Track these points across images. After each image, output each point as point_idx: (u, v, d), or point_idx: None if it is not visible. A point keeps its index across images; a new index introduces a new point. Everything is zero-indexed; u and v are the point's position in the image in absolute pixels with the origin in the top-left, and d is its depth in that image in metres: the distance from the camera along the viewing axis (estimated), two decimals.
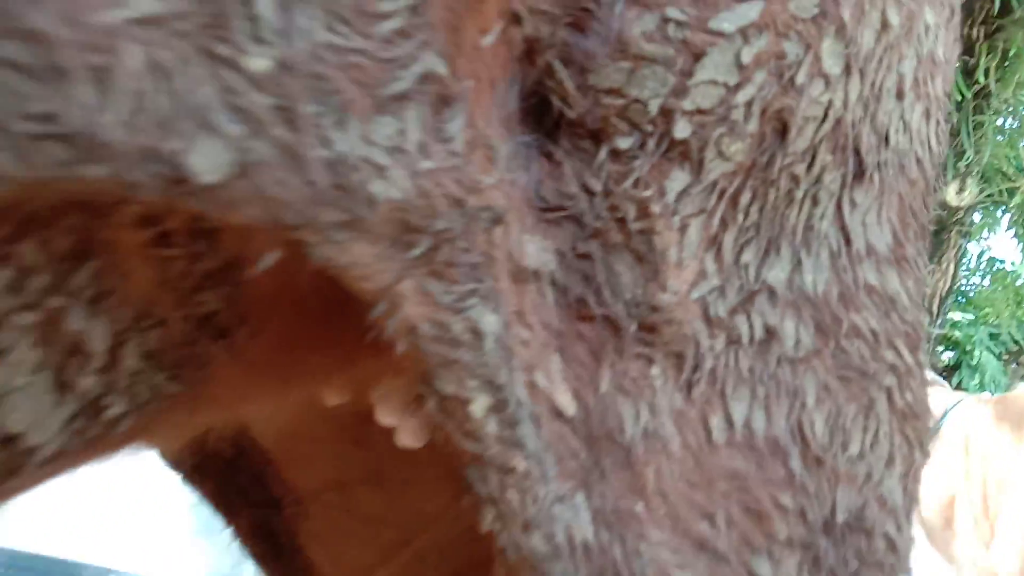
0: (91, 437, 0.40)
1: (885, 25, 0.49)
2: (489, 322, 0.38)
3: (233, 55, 0.25)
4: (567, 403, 0.42)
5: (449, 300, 0.36)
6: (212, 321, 0.40)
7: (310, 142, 0.28)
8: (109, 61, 0.23)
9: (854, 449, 0.48)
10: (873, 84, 0.50)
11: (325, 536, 0.74)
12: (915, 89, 0.54)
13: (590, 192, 0.42)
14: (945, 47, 0.59)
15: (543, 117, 0.43)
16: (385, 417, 0.53)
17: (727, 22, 0.43)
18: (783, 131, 0.45)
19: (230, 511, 0.73)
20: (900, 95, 0.53)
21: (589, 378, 0.42)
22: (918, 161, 0.55)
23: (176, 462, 0.68)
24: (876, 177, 0.51)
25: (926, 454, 0.53)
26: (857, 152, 0.50)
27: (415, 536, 0.74)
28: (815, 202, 0.49)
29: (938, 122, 0.57)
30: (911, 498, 0.52)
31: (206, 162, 0.25)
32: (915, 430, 0.51)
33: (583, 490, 0.42)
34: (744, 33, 0.43)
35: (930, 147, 0.56)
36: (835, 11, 0.45)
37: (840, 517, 0.48)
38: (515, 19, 0.40)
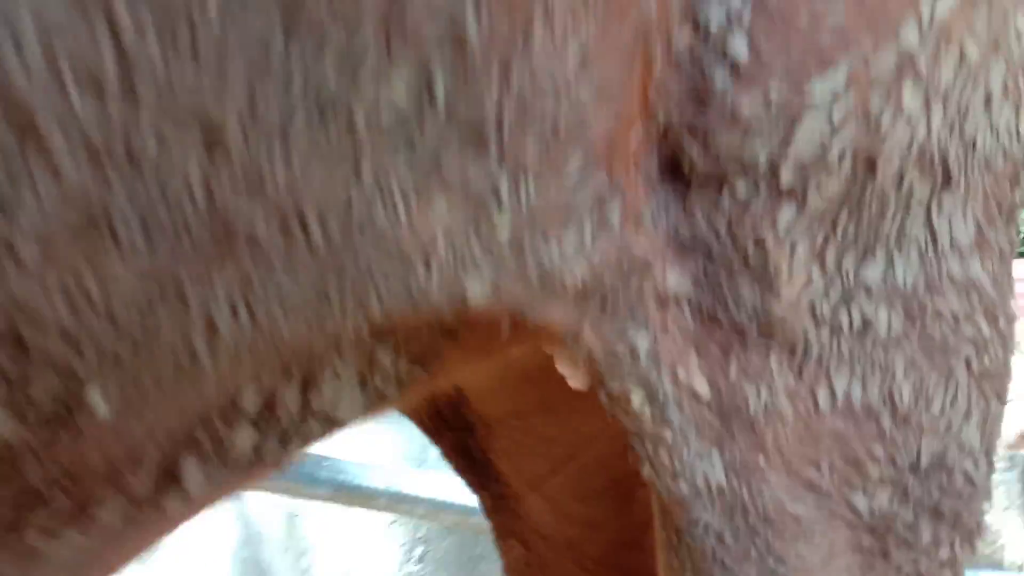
0: (369, 409, 0.58)
1: (963, 57, 0.58)
2: (641, 342, 0.52)
3: (490, 229, 0.41)
4: (703, 389, 0.56)
5: (613, 330, 0.51)
6: (450, 330, 0.57)
7: (529, 262, 0.43)
8: (429, 254, 0.39)
9: (936, 408, 0.61)
10: (958, 105, 0.59)
11: (509, 452, 0.91)
12: (1004, 93, 0.63)
13: (716, 230, 0.55)
14: None
15: (676, 174, 0.55)
16: (563, 370, 0.69)
17: (818, 88, 0.54)
18: (872, 166, 0.56)
19: (436, 434, 0.92)
20: (988, 104, 0.62)
21: (720, 368, 0.57)
22: (1004, 153, 0.64)
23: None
24: (963, 181, 0.61)
25: (1003, 403, 0.64)
26: (945, 165, 0.60)
27: (579, 451, 0.89)
28: (907, 210, 0.60)
29: None
30: (989, 440, 0.64)
31: (478, 291, 0.41)
32: (993, 386, 0.63)
33: (717, 448, 0.57)
34: (834, 95, 0.54)
35: (1018, 136, 0.65)
36: (911, 63, 0.55)
37: (924, 461, 0.61)
38: (652, 112, 0.52)
